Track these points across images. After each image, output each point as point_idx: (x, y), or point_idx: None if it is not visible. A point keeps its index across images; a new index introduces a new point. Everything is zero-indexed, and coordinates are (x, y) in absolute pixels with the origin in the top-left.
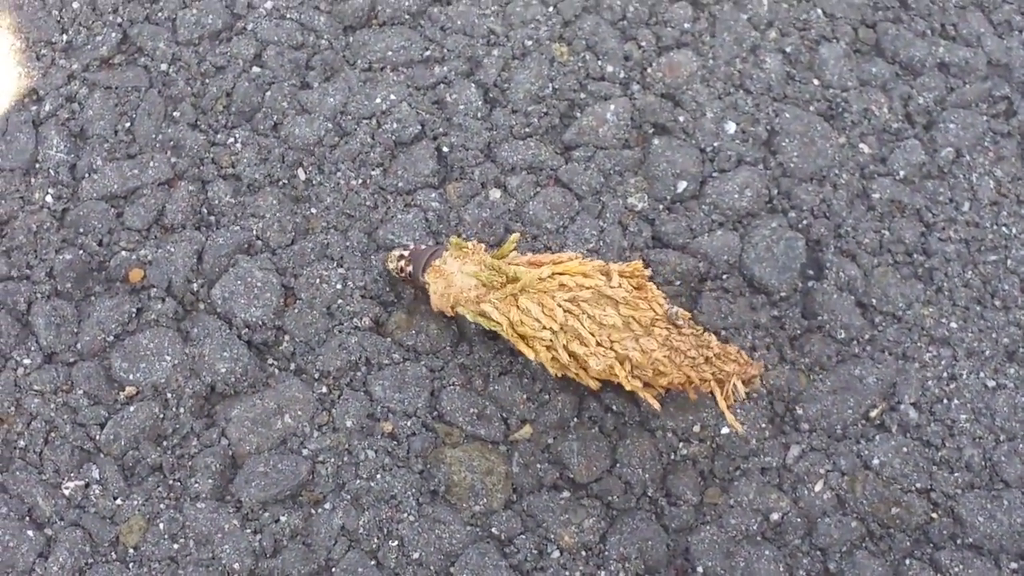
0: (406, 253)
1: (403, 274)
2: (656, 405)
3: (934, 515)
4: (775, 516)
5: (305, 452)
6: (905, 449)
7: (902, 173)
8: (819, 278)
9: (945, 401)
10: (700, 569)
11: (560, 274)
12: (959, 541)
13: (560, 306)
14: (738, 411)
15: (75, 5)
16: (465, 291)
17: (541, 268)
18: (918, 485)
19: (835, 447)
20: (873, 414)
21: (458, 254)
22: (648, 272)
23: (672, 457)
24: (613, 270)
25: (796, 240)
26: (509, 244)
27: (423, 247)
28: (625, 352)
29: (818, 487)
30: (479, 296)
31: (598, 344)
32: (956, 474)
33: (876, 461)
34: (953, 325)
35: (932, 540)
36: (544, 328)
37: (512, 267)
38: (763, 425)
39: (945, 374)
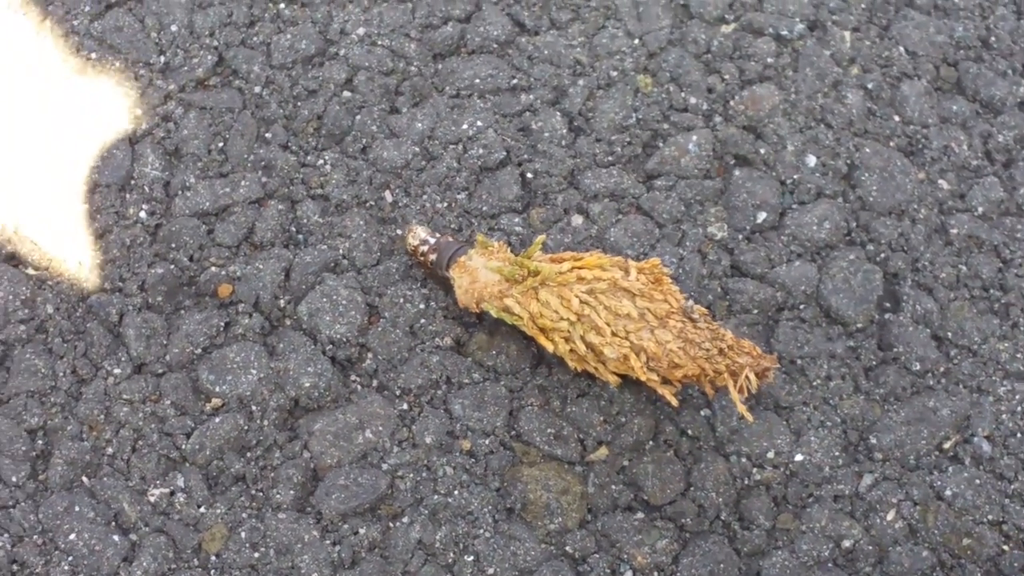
0: (432, 241)
1: (423, 258)
2: (674, 402)
3: (1005, 547)
4: (847, 543)
5: (385, 467)
6: (978, 481)
7: (980, 209)
8: (895, 311)
9: (1019, 435)
10: None
11: (579, 268)
12: None
13: (577, 297)
14: (811, 435)
15: (173, 28)
16: (489, 286)
17: (562, 263)
18: (990, 517)
19: (908, 477)
20: (947, 446)
21: (483, 252)
22: (666, 269)
23: (746, 482)
24: (631, 265)
25: (874, 272)
26: (535, 245)
27: (449, 240)
28: (640, 343)
29: (890, 516)
30: (502, 291)
31: (613, 334)
32: None
33: (949, 492)
34: None
35: (1003, 572)
36: (562, 319)
37: (534, 262)
38: (836, 453)
39: (1019, 408)
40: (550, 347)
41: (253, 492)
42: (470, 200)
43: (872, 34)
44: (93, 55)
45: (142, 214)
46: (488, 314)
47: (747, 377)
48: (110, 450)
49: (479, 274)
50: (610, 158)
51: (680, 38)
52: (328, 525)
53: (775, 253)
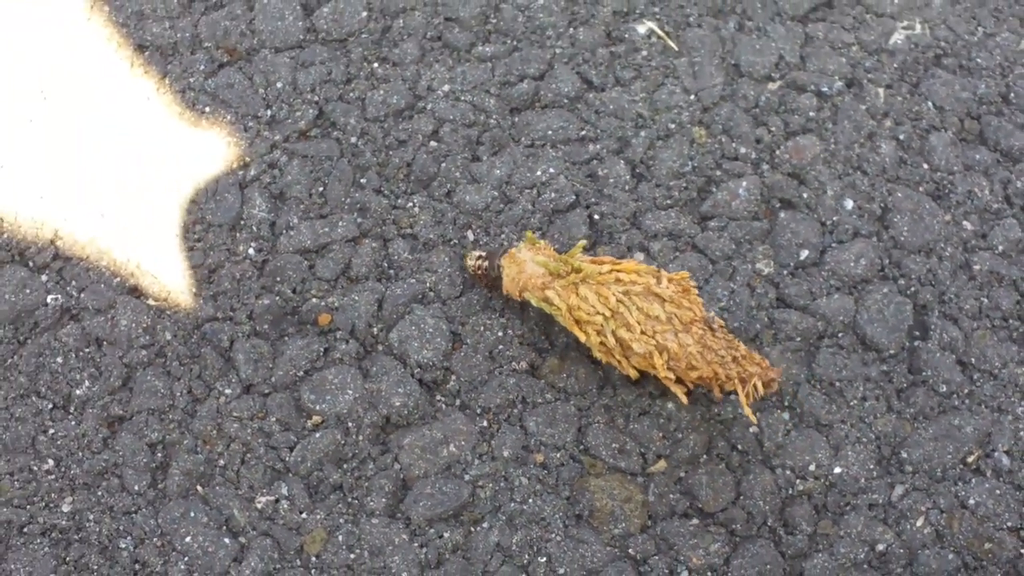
0: (484, 254)
1: (480, 271)
2: (684, 399)
3: (1023, 551)
4: (880, 547)
5: (467, 477)
6: (998, 491)
7: (1001, 248)
8: (924, 338)
9: None
10: None
11: (618, 271)
12: None
13: (615, 296)
14: (848, 450)
15: (279, 85)
16: (534, 278)
17: (602, 265)
18: (1009, 524)
19: (935, 488)
20: (970, 460)
21: (531, 247)
22: (694, 282)
23: (790, 492)
24: (663, 275)
25: (905, 304)
26: (578, 247)
27: (497, 247)
28: (665, 343)
29: (919, 523)
30: (544, 283)
31: (642, 332)
32: None
33: (972, 501)
34: None
35: (1021, 573)
36: (597, 313)
37: (577, 261)
38: (871, 466)
39: None
40: (583, 337)
41: (349, 500)
42: (543, 239)
43: (903, 91)
44: (207, 109)
45: (251, 251)
46: (559, 339)
47: (755, 385)
48: (222, 462)
49: (526, 266)
50: (668, 201)
51: (731, 94)
52: (416, 529)
53: (816, 287)
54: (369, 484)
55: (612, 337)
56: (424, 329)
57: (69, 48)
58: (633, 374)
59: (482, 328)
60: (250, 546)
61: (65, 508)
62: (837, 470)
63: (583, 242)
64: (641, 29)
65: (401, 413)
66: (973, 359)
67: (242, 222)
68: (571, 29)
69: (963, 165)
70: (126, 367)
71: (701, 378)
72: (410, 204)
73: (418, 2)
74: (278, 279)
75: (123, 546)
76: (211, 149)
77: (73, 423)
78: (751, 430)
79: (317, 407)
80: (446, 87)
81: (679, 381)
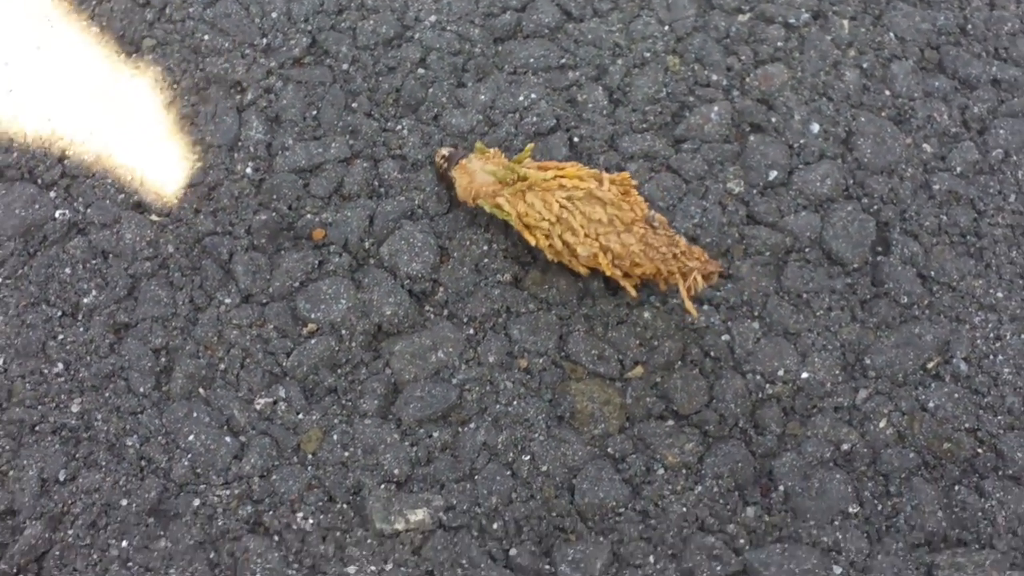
0: (446, 153)
1: (442, 169)
2: (633, 293)
3: (980, 450)
4: (845, 446)
5: (454, 381)
6: (956, 395)
7: (959, 169)
8: (886, 253)
9: (991, 357)
10: (782, 488)
11: (561, 177)
12: (1000, 472)
13: (557, 201)
14: (815, 357)
15: (273, 15)
16: (484, 186)
17: (547, 171)
18: (967, 425)
19: (897, 392)
20: (930, 366)
21: (481, 156)
22: (634, 182)
23: (759, 395)
24: (605, 177)
25: (868, 222)
26: (525, 152)
27: (458, 150)
28: (608, 244)
29: (882, 424)
30: (495, 191)
31: (586, 235)
32: (999, 417)
33: (932, 404)
34: (999, 295)
35: (977, 471)
36: (544, 219)
37: (523, 168)
38: (837, 372)
39: (992, 335)
40: (532, 241)
41: (343, 402)
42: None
43: (867, 22)
44: (206, 37)
45: (248, 170)
46: (541, 253)
47: (695, 278)
48: (222, 366)
49: (476, 175)
50: (644, 125)
51: (703, 25)
52: (407, 429)
53: (784, 205)
54: (362, 387)
55: (559, 240)
56: (413, 243)
57: None
58: (583, 271)
59: (468, 243)
60: (250, 444)
61: (74, 408)
62: (804, 375)
63: (531, 145)
64: None
65: (392, 322)
66: (932, 272)
67: (239, 143)
68: None
69: (923, 92)
70: (131, 277)
71: (646, 274)
72: (399, 127)
73: None
74: (274, 196)
75: (130, 444)
76: (209, 74)
77: (81, 329)
78: (692, 320)
79: (312, 315)
80: (432, 18)
81: (627, 276)
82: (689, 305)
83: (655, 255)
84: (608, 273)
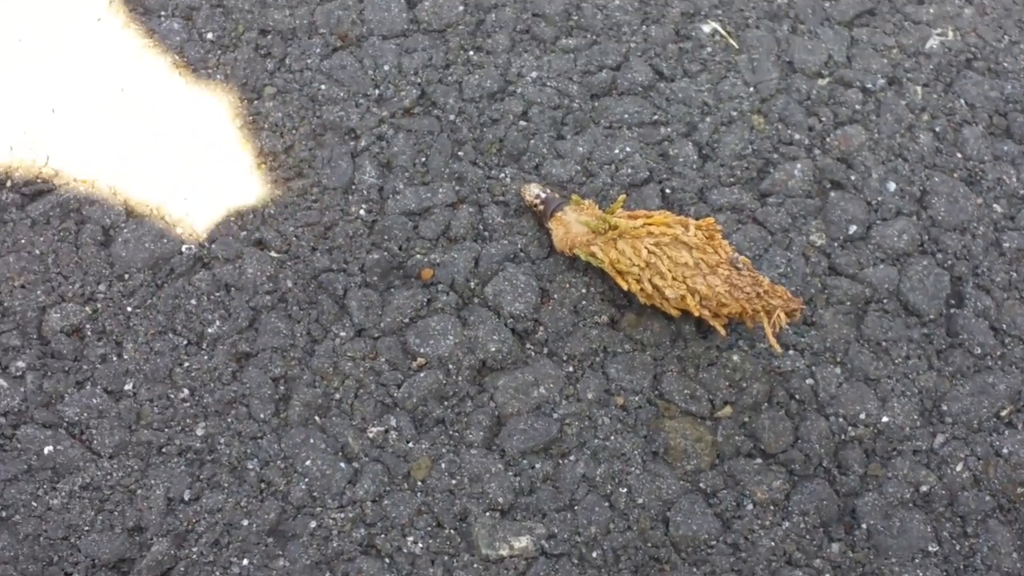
0: (543, 195)
1: (535, 208)
2: (722, 332)
3: None
4: (924, 488)
5: (555, 416)
6: None
7: None
8: (960, 306)
9: None
10: (864, 526)
11: (649, 224)
12: None
13: (646, 248)
14: (894, 402)
15: (385, 67)
16: (579, 236)
17: (636, 220)
18: None
19: (972, 437)
20: (1003, 413)
21: (576, 208)
22: (719, 227)
23: (842, 437)
24: (690, 223)
25: (942, 276)
26: (617, 203)
27: (555, 196)
28: (694, 286)
29: (959, 468)
30: (589, 240)
31: (673, 279)
32: None
33: (1005, 450)
34: None
35: None
36: (634, 265)
37: (614, 218)
38: (915, 417)
39: None
40: (624, 286)
41: (451, 432)
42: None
43: (939, 89)
44: (323, 87)
45: (361, 212)
46: (635, 297)
47: (779, 315)
48: (337, 396)
49: (571, 226)
50: (731, 179)
51: (786, 87)
52: (510, 460)
53: (864, 258)
54: (468, 419)
55: (649, 284)
56: (516, 284)
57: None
58: (674, 313)
59: (567, 285)
60: (363, 470)
61: (199, 432)
62: (884, 419)
63: (623, 197)
64: (706, 28)
65: (496, 358)
66: (1004, 325)
67: (354, 186)
68: (644, 26)
69: (992, 155)
70: (252, 310)
71: (732, 313)
72: (502, 175)
73: None
74: (386, 237)
75: (251, 467)
76: (330, 123)
77: (205, 357)
78: (777, 356)
79: (421, 350)
80: (534, 74)
81: (715, 316)
82: (773, 341)
83: (740, 295)
84: (696, 314)
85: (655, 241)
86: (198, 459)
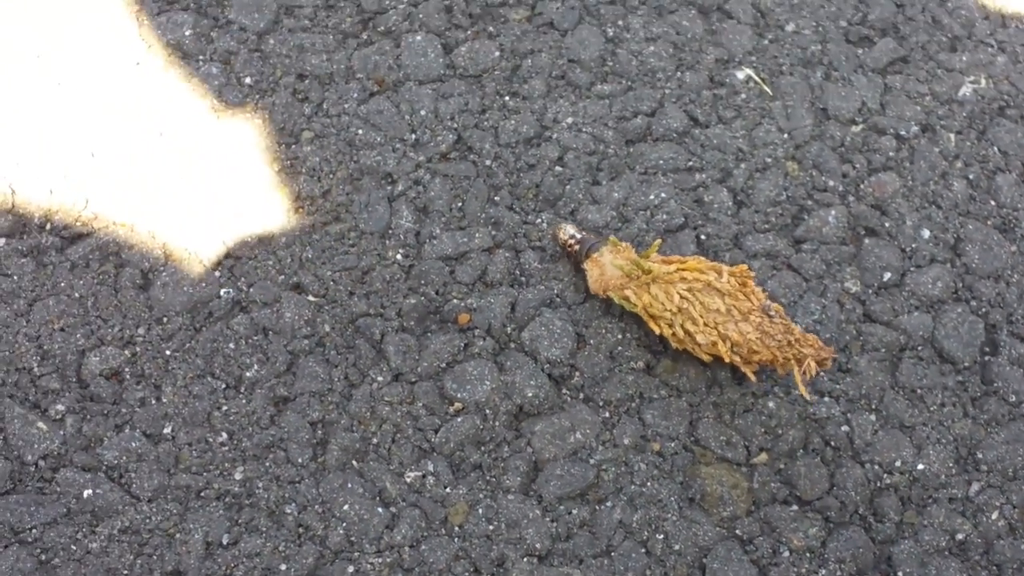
0: (578, 236)
1: (569, 248)
2: (752, 378)
3: None
4: (960, 536)
5: (592, 461)
6: None
7: None
8: (995, 354)
9: None
10: (900, 574)
11: (683, 270)
12: None
13: (678, 293)
14: (929, 449)
15: (422, 112)
16: (613, 279)
17: (670, 265)
18: None
19: (1008, 485)
20: None
21: (612, 250)
22: (752, 274)
23: (878, 484)
24: (724, 270)
25: (977, 323)
26: (653, 248)
27: (590, 237)
28: (726, 332)
29: (994, 516)
30: (623, 284)
31: (705, 324)
32: None
33: None
34: None
35: None
36: (666, 310)
37: (648, 263)
38: (950, 464)
39: None
40: (657, 330)
41: (488, 477)
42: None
43: (972, 136)
44: (360, 131)
45: (399, 256)
46: (671, 343)
47: (809, 364)
48: (375, 440)
49: (607, 268)
50: (766, 225)
51: (820, 134)
52: (547, 506)
53: (898, 305)
54: (505, 464)
55: (681, 329)
56: (552, 330)
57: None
58: (706, 358)
59: (603, 331)
60: (401, 515)
61: (237, 476)
62: (920, 467)
63: (659, 241)
64: (740, 75)
65: (532, 403)
66: None
67: (390, 231)
68: (679, 73)
69: None
70: (290, 354)
71: (763, 360)
72: (539, 220)
73: (544, 45)
74: (423, 282)
75: (288, 511)
76: (366, 167)
77: (244, 401)
78: (807, 403)
79: (458, 395)
80: (569, 119)
81: (746, 363)
82: (803, 388)
83: (771, 342)
84: (727, 360)
85: (688, 287)
86: (236, 503)
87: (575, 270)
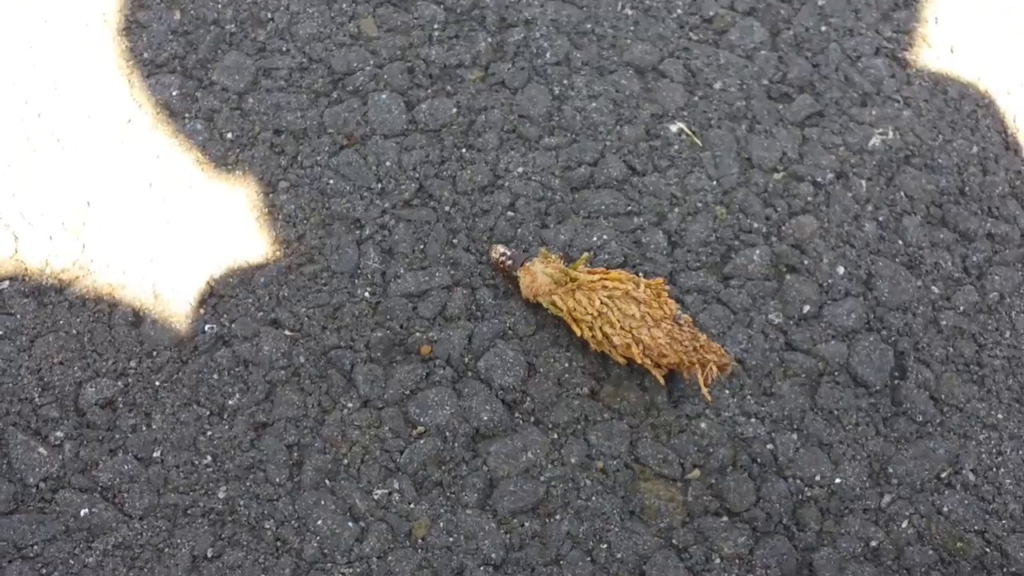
0: (508, 252)
1: (502, 266)
2: (661, 380)
3: (987, 550)
4: (874, 543)
5: (542, 479)
6: (966, 502)
7: (962, 308)
8: (903, 378)
9: (994, 469)
10: None
11: (605, 279)
12: (1005, 570)
13: (599, 299)
14: (845, 465)
15: (387, 164)
16: (543, 286)
17: (594, 275)
18: (976, 528)
19: (916, 497)
20: (943, 476)
21: (543, 260)
22: (667, 286)
23: (800, 497)
24: (642, 281)
25: (887, 351)
26: (581, 260)
27: (521, 252)
28: (639, 336)
29: (904, 524)
30: (551, 290)
31: (621, 328)
32: (1003, 521)
33: (946, 509)
34: (1000, 416)
35: (986, 568)
36: (587, 313)
37: (575, 272)
38: (864, 478)
39: (994, 450)
40: (578, 332)
41: (448, 494)
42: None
43: (881, 182)
44: (331, 181)
45: (366, 294)
46: (613, 371)
47: (711, 368)
48: (345, 461)
49: (537, 276)
50: (698, 264)
51: (745, 181)
52: (502, 519)
53: (817, 335)
54: (464, 482)
55: (600, 332)
56: (506, 360)
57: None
58: (621, 361)
59: (552, 360)
60: (369, 529)
61: (220, 495)
62: (837, 480)
63: (587, 255)
64: (673, 128)
65: (488, 426)
66: (943, 395)
67: (359, 271)
68: (618, 126)
69: (930, 242)
70: (268, 383)
71: (671, 363)
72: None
73: (497, 102)
74: (389, 317)
75: (267, 526)
76: (333, 214)
77: (226, 427)
78: (707, 404)
79: (421, 419)
80: (520, 169)
81: (656, 366)
82: (705, 391)
83: (679, 348)
84: (639, 361)
85: (608, 294)
86: (220, 520)
87: (509, 282)
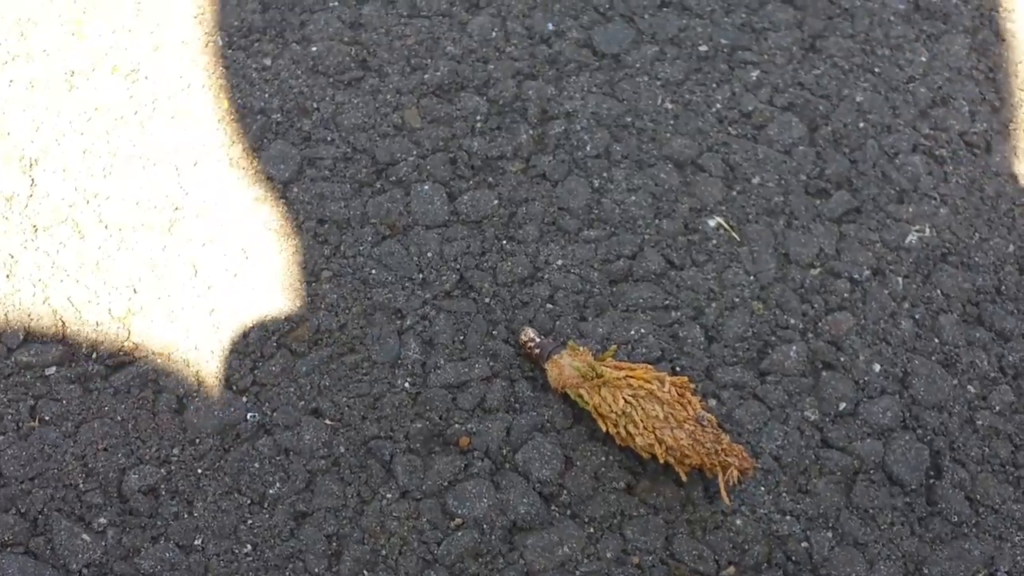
0: (536, 339)
1: (528, 351)
2: (683, 476)
3: None
4: None
5: (578, 573)
6: None
7: (998, 408)
8: (939, 478)
9: None
10: None
11: (630, 377)
12: None
13: (623, 398)
14: (880, 565)
15: (428, 255)
16: (571, 379)
17: (620, 371)
18: None
19: None
20: None
21: (571, 353)
22: (692, 385)
23: None
24: (667, 379)
25: (923, 450)
26: (609, 352)
27: (549, 341)
28: (662, 437)
29: None
30: (578, 383)
31: (645, 428)
32: None
33: None
34: None
35: None
36: (612, 411)
37: (603, 367)
38: None
39: None
40: (603, 427)
41: None
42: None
43: (918, 280)
44: (373, 271)
45: (406, 384)
46: (649, 466)
47: (732, 472)
48: (384, 552)
49: (565, 369)
50: (734, 359)
51: (782, 277)
52: None
53: (852, 432)
54: (500, 575)
55: (624, 430)
56: (543, 452)
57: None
58: (644, 455)
59: (589, 454)
60: None
61: None
62: None
63: (614, 348)
64: (712, 222)
65: (525, 519)
66: (978, 496)
67: (400, 361)
68: (657, 220)
69: (966, 341)
70: (309, 473)
71: (693, 464)
72: None
73: (537, 194)
74: (428, 408)
75: None
76: (379, 303)
77: (267, 516)
78: (726, 507)
79: (459, 511)
80: (560, 262)
81: (680, 463)
82: (724, 494)
83: (701, 449)
84: (662, 461)
85: (633, 393)
86: None
87: (537, 368)
